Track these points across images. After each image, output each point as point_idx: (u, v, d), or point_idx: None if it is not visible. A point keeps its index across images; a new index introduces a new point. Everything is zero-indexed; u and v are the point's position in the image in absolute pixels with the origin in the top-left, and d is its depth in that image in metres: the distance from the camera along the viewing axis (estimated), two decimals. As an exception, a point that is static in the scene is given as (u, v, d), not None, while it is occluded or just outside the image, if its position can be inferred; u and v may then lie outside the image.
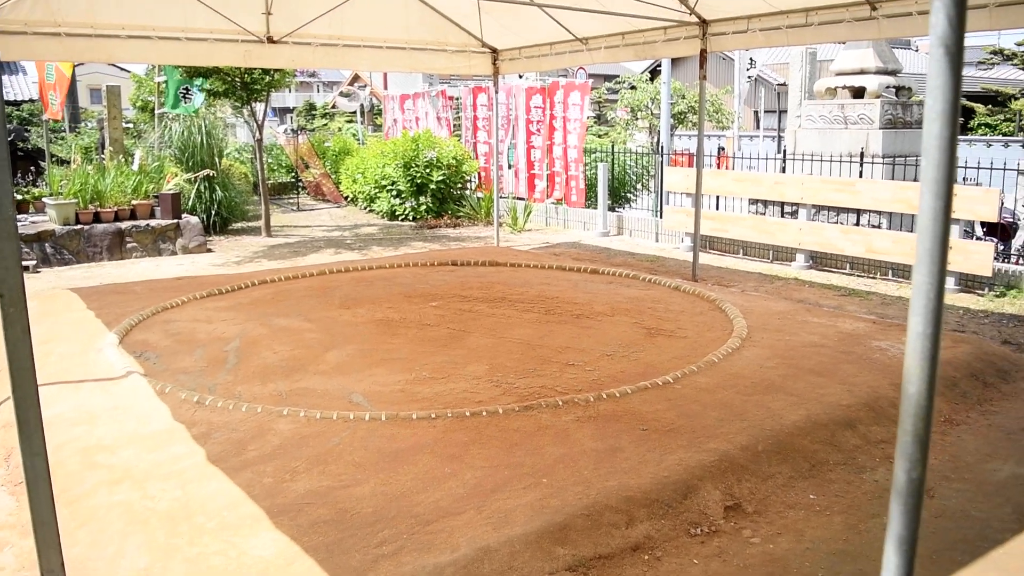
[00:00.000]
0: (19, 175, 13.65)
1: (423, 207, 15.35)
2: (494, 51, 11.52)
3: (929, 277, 1.23)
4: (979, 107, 25.44)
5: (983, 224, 10.14)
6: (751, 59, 17.02)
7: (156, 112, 16.56)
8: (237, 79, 13.14)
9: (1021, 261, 9.84)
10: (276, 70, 13.17)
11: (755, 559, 3.56)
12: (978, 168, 9.93)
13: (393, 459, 4.25)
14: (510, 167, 15.58)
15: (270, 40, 9.57)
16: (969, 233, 9.86)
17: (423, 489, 3.91)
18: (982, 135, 23.38)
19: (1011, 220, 10.60)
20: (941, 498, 4.15)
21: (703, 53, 9.04)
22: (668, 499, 3.86)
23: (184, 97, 14.78)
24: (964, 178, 10.94)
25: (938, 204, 1.21)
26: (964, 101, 25.15)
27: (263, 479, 4.07)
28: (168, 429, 4.76)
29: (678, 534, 3.71)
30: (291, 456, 4.32)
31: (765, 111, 28.83)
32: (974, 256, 8.68)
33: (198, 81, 14.08)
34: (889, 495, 1.35)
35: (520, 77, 17.51)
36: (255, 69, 12.94)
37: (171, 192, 12.60)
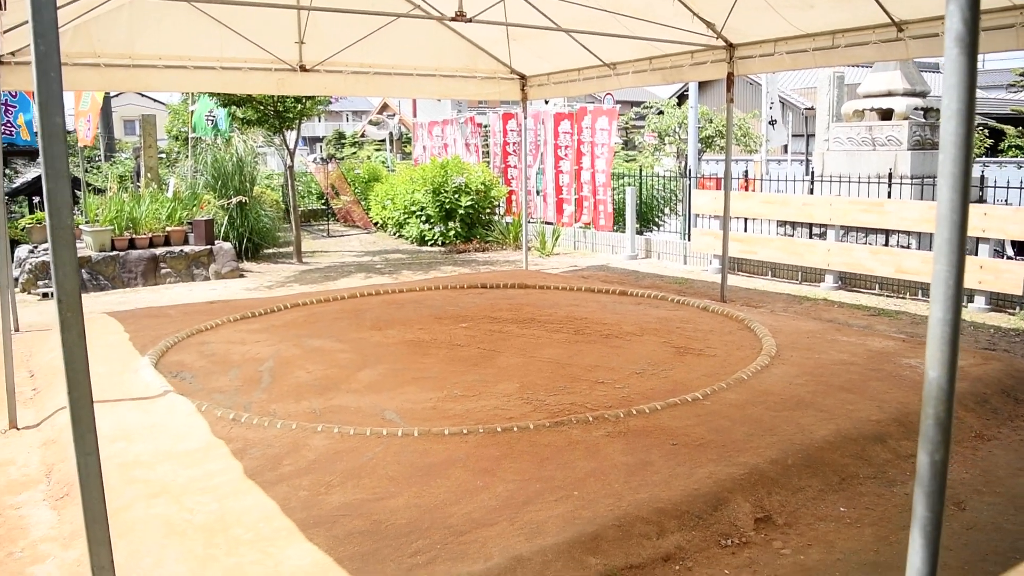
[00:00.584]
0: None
1: (452, 232, 15.49)
2: (522, 77, 11.67)
3: (948, 267, 1.28)
4: (1009, 129, 25.26)
5: (1014, 243, 10.07)
6: (771, 100, 17.08)
7: (189, 139, 16.89)
8: (270, 108, 13.41)
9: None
10: (307, 98, 13.42)
11: (786, 570, 3.57)
12: (1008, 188, 9.90)
13: (426, 473, 4.31)
14: (538, 193, 15.71)
15: (303, 68, 9.78)
16: (1000, 253, 9.80)
17: (456, 501, 3.96)
18: (1012, 156, 23.18)
19: (1042, 239, 10.52)
20: (973, 511, 4.14)
21: (730, 76, 9.10)
22: (699, 511, 3.89)
23: (208, 120, 15.11)
24: (995, 199, 10.89)
25: (955, 197, 1.27)
26: (994, 123, 25.02)
27: (298, 492, 4.14)
28: (204, 446, 4.86)
29: (709, 545, 3.73)
30: (326, 470, 4.40)
31: (793, 135, 28.81)
32: (1005, 275, 8.64)
33: (222, 107, 14.38)
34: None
35: (546, 103, 17.64)
36: (287, 98, 13.20)
37: (204, 219, 12.83)
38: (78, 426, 2.07)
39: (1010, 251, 10.34)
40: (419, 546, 3.53)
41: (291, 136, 14.38)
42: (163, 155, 20.41)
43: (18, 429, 5.65)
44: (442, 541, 3.57)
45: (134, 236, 12.25)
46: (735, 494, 4.07)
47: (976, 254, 9.04)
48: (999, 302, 9.00)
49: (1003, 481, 4.52)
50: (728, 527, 3.87)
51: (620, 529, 3.67)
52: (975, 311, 8.90)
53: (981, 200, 10.59)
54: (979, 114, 25.75)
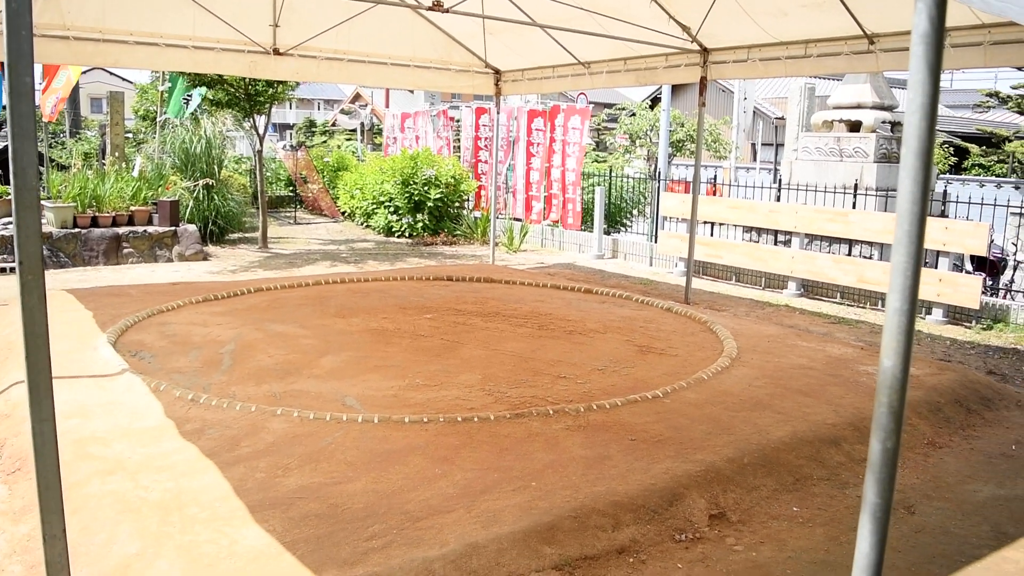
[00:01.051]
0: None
1: (420, 224, 15.46)
2: (497, 72, 11.68)
3: (906, 257, 1.31)
4: (974, 148, 25.74)
5: (972, 259, 10.27)
6: (744, 93, 17.26)
7: (158, 120, 16.68)
8: (241, 90, 13.28)
9: (1009, 296, 9.96)
10: (279, 82, 13.30)
11: (738, 565, 3.62)
12: (969, 203, 10.09)
13: (385, 459, 4.30)
14: (508, 189, 15.73)
15: (276, 52, 9.70)
16: (959, 267, 9.98)
17: (414, 488, 3.96)
18: (976, 175, 23.63)
19: (1000, 256, 10.75)
20: (922, 515, 4.22)
21: (703, 80, 9.19)
22: (654, 505, 3.92)
23: (187, 103, 14.92)
24: (956, 214, 11.09)
25: (916, 189, 1.30)
26: (959, 142, 25.46)
27: (255, 474, 4.12)
28: (162, 424, 4.81)
29: (663, 539, 3.77)
30: (284, 453, 4.38)
31: (763, 144, 29.12)
32: (963, 289, 8.80)
33: (201, 90, 14.21)
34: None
35: (521, 99, 17.67)
36: (259, 81, 13.08)
37: (170, 199, 12.69)
38: (35, 391, 2.04)
39: (969, 266, 10.54)
40: (375, 530, 3.53)
41: (261, 120, 14.26)
42: (130, 134, 20.12)
43: (-30, 402, 5.55)
44: (399, 526, 3.57)
45: (97, 214, 12.08)
46: (691, 490, 4.11)
47: (936, 267, 9.20)
48: (956, 315, 9.17)
49: (952, 487, 4.61)
50: (683, 522, 3.92)
51: (576, 520, 3.69)
52: (932, 323, 9.06)
53: (943, 215, 10.79)
54: (945, 131, 26.21)
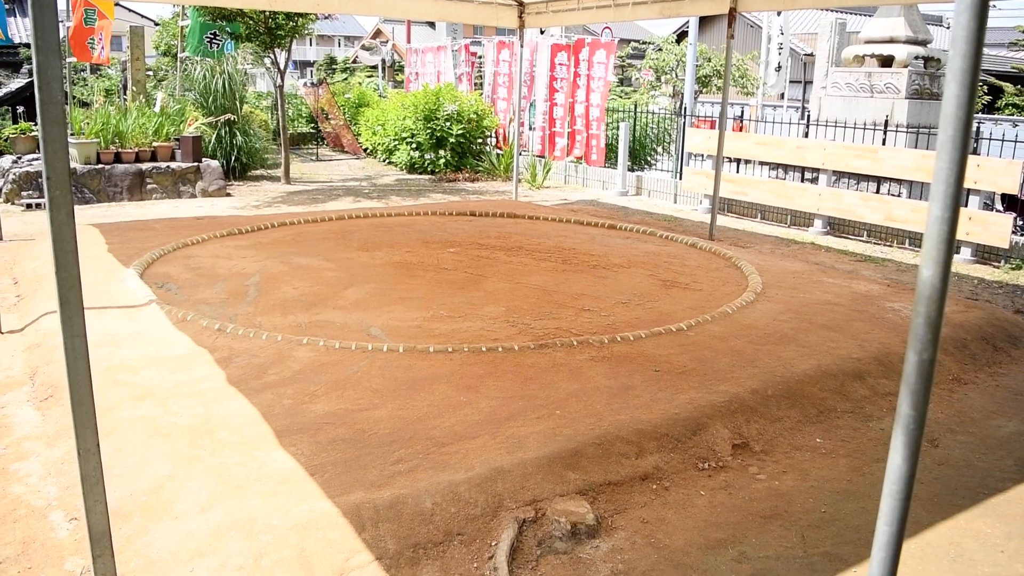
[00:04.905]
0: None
1: (442, 160, 15.37)
2: (520, 4, 11.46)
3: (949, 164, 1.28)
4: (1008, 87, 25.16)
5: (1003, 198, 10.09)
6: (781, 28, 16.83)
7: (179, 56, 16.57)
8: (261, 24, 13.13)
9: (1040, 235, 9.80)
10: (300, 16, 13.14)
11: (760, 494, 3.64)
12: (1003, 141, 9.87)
13: (410, 387, 4.34)
14: (531, 127, 15.57)
15: (297, -17, 9.57)
16: (989, 206, 9.82)
17: (439, 415, 4.00)
18: (1009, 115, 23.12)
19: (1032, 196, 10.55)
20: (946, 448, 4.22)
21: (732, 12, 8.97)
22: (678, 434, 3.94)
23: (211, 43, 14.75)
24: (989, 153, 10.86)
25: (963, 93, 1.26)
26: (993, 80, 24.88)
27: (283, 400, 4.17)
28: (190, 353, 4.87)
29: (686, 467, 3.80)
30: (310, 381, 4.42)
31: (791, 81, 28.57)
32: (992, 227, 8.67)
33: (228, 27, 14.04)
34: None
35: (540, 33, 17.35)
36: (279, 14, 12.92)
37: (192, 135, 12.66)
38: (65, 308, 2.05)
39: (999, 205, 10.36)
40: (401, 455, 3.57)
41: (282, 56, 14.12)
42: (150, 72, 20.00)
43: (2, 333, 5.64)
44: (424, 451, 3.61)
45: (120, 150, 12.09)
46: (714, 420, 4.13)
47: (966, 205, 9.06)
48: (985, 254, 9.05)
49: (977, 422, 4.60)
50: (706, 451, 3.94)
51: (600, 447, 3.72)
52: (961, 262, 8.95)
53: (975, 152, 10.58)
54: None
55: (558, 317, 5.70)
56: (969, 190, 9.00)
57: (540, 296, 6.27)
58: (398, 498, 3.21)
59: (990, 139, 10.12)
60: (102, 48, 13.92)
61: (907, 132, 10.33)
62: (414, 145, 15.72)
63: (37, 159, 11.51)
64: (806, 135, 11.71)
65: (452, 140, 15.28)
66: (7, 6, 13.64)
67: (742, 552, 3.21)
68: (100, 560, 2.46)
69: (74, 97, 16.90)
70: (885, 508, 1.47)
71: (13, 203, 11.04)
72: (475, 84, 17.68)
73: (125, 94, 16.03)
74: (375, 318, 5.61)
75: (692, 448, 3.92)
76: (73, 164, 11.55)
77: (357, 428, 3.83)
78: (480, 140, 16.11)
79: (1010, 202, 10.19)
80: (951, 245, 1.31)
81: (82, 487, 2.40)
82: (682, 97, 17.31)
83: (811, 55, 24.84)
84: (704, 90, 20.46)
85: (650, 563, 3.13)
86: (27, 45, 14.77)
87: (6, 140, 12.15)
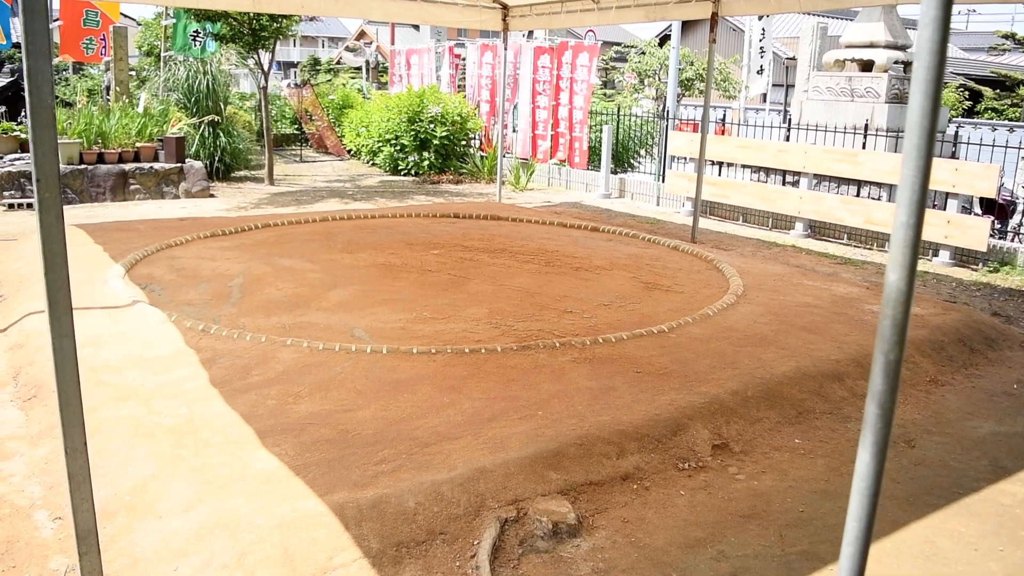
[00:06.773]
0: (23, 114, 13.64)
1: (426, 162, 15.39)
2: (504, 7, 11.50)
3: (915, 171, 1.33)
4: (987, 91, 25.43)
5: (981, 201, 10.22)
6: (763, 30, 16.95)
7: (162, 56, 16.52)
8: (245, 24, 13.11)
9: (1016, 239, 9.94)
10: (284, 17, 13.13)
11: (739, 493, 3.70)
12: (980, 145, 10.00)
13: (393, 388, 4.37)
14: (514, 129, 15.61)
15: (281, -16, 9.57)
16: (968, 210, 9.94)
17: (422, 415, 4.04)
18: (988, 119, 23.38)
19: (1010, 200, 10.68)
20: (922, 448, 4.29)
21: (714, 16, 9.06)
22: (658, 435, 3.99)
23: (195, 41, 14.72)
24: (967, 157, 10.98)
25: (926, 103, 1.31)
26: (972, 84, 25.13)
27: (267, 401, 4.19)
28: (173, 353, 4.88)
29: (667, 467, 3.85)
30: (294, 382, 4.45)
31: (772, 84, 28.75)
32: (971, 231, 8.79)
33: (209, 26, 14.02)
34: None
35: (524, 37, 17.40)
36: (263, 15, 12.91)
37: (175, 136, 12.62)
38: (54, 308, 2.08)
39: (977, 209, 10.49)
40: (385, 455, 3.61)
41: (265, 56, 14.10)
42: (133, 71, 19.90)
43: (-16, 332, 5.63)
44: (407, 451, 3.64)
45: (103, 150, 12.04)
46: (695, 421, 4.18)
47: (945, 209, 9.18)
48: (963, 257, 9.17)
49: (952, 423, 4.68)
50: (686, 451, 3.99)
51: (581, 448, 3.77)
52: (940, 264, 9.07)
53: (953, 156, 10.70)
54: (959, 75, 25.85)
55: (541, 319, 5.75)
56: (948, 194, 9.12)
57: (523, 298, 6.31)
58: (381, 498, 3.24)
59: (968, 143, 10.25)
60: (103, 48, 13.87)
61: (887, 136, 10.45)
62: (398, 147, 15.74)
63: (19, 159, 11.45)
64: (787, 138, 11.82)
65: (436, 142, 15.31)
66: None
67: (721, 551, 3.26)
68: (86, 558, 2.49)
69: (56, 97, 16.78)
70: (854, 504, 1.52)
71: (-5, 203, 10.98)
72: (459, 86, 17.70)
73: (108, 94, 15.96)
74: (359, 319, 5.64)
75: (672, 448, 3.97)
76: (55, 164, 11.47)
77: (341, 428, 3.86)
78: (464, 142, 16.14)
79: (988, 206, 10.32)
80: (916, 250, 1.36)
81: (69, 485, 2.43)
82: (665, 100, 17.40)
83: (793, 59, 25.02)
84: (687, 93, 20.54)
85: (630, 562, 3.17)
86: (16, 45, 14.71)
87: (-12, 139, 12.08)
